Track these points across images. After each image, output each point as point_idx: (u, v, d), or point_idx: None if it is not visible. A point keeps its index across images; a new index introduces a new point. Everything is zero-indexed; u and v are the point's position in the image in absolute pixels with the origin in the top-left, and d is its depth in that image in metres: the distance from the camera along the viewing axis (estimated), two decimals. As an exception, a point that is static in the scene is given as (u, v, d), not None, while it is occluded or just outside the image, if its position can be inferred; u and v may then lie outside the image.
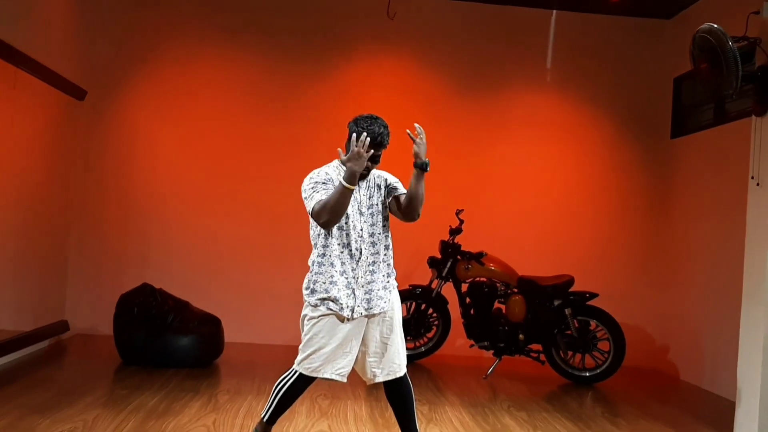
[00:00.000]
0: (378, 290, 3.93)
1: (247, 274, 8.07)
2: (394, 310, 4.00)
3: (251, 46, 8.21)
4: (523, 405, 5.96)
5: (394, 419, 5.06)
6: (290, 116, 8.21)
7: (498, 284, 7.23)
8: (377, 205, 3.99)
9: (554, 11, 8.46)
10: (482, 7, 8.42)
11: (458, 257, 7.24)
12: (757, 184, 5.22)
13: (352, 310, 3.86)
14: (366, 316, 3.91)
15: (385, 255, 4.00)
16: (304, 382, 3.95)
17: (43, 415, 4.70)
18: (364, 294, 3.89)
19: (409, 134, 3.90)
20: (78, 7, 7.60)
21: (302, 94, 8.23)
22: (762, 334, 5.06)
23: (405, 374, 4.02)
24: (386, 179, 4.08)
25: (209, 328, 6.87)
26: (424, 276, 7.54)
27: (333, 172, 3.95)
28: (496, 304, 7.26)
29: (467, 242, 7.29)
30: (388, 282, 3.99)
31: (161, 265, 7.94)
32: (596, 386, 6.98)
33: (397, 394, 4.03)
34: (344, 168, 3.82)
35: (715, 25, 5.19)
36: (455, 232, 7.31)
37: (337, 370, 3.89)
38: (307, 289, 3.93)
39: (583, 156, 8.51)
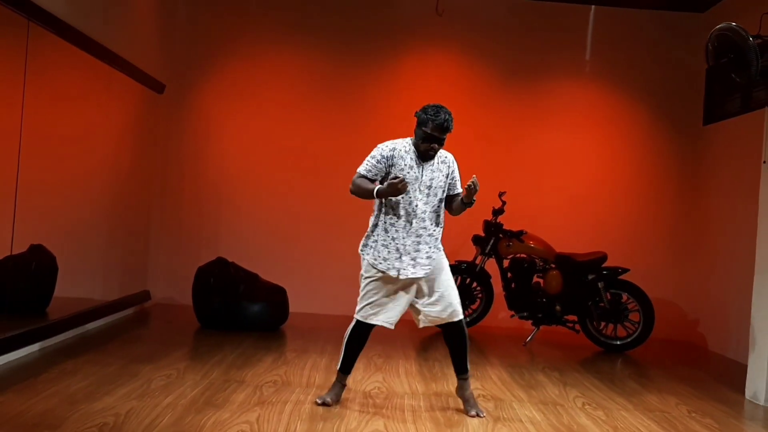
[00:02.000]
0: (422, 259, 4.66)
1: (309, 249, 8.89)
2: (442, 268, 4.74)
3: (314, 44, 9.00)
4: (557, 366, 6.65)
5: (440, 374, 5.85)
6: (348, 106, 8.97)
7: (537, 260, 7.90)
8: (436, 187, 4.70)
9: (593, 6, 9.04)
10: (525, 4, 9.06)
11: (500, 235, 7.93)
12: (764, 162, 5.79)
13: (398, 271, 4.60)
14: (411, 279, 4.65)
15: (433, 230, 4.71)
16: (362, 329, 4.73)
17: (144, 364, 5.56)
18: (410, 260, 4.62)
19: (471, 183, 4.60)
20: (157, 8, 8.47)
21: (358, 85, 8.98)
22: (770, 303, 5.67)
23: (460, 320, 4.77)
24: (452, 171, 4.82)
25: (277, 296, 7.70)
26: (469, 253, 8.25)
27: (401, 148, 4.69)
28: (535, 279, 7.93)
29: (509, 222, 7.98)
30: (433, 252, 4.71)
31: (232, 241, 8.80)
32: (627, 354, 7.62)
33: (451, 336, 4.79)
34: (413, 147, 4.64)
35: (734, 24, 5.79)
36: (498, 212, 7.98)
37: (387, 318, 4.68)
38: (364, 246, 4.72)
39: (619, 142, 9.10)
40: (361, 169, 4.73)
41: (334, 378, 4.97)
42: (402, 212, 4.66)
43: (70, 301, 7.15)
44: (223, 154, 8.98)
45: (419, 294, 4.75)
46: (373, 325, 4.77)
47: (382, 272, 4.66)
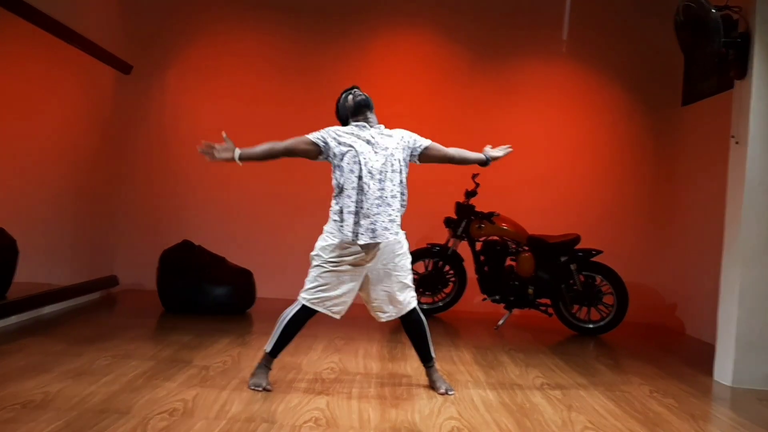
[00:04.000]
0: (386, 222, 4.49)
1: (276, 233, 8.73)
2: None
3: (282, 22, 8.83)
4: (524, 348, 6.50)
5: (400, 355, 5.71)
6: (316, 86, 8.78)
7: (509, 242, 7.74)
8: (392, 165, 4.51)
9: (570, -16, 8.87)
10: (500, -18, 8.89)
11: (472, 217, 7.77)
12: (737, 143, 5.63)
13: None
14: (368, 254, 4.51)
15: (393, 209, 4.50)
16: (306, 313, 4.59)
17: (92, 344, 5.41)
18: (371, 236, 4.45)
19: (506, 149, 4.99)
20: (123, -12, 8.31)
21: (327, 66, 8.80)
22: (738, 282, 5.51)
23: (414, 308, 4.68)
24: (407, 141, 4.66)
25: (242, 279, 7.55)
26: (441, 236, 8.09)
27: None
28: (508, 261, 7.78)
29: (483, 205, 7.81)
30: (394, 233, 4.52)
31: (199, 224, 8.64)
32: (600, 337, 7.47)
33: (409, 325, 4.71)
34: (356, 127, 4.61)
35: (699, -3, 5.61)
36: (471, 194, 7.82)
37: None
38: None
39: (595, 123, 8.93)
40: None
41: (274, 361, 4.80)
42: (358, 197, 4.54)
43: (31, 286, 7.01)
44: (191, 135, 8.71)
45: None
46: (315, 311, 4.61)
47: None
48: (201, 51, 8.83)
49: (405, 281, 4.64)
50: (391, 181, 4.46)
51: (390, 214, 4.43)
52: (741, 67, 5.62)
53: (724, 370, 5.62)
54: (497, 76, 8.91)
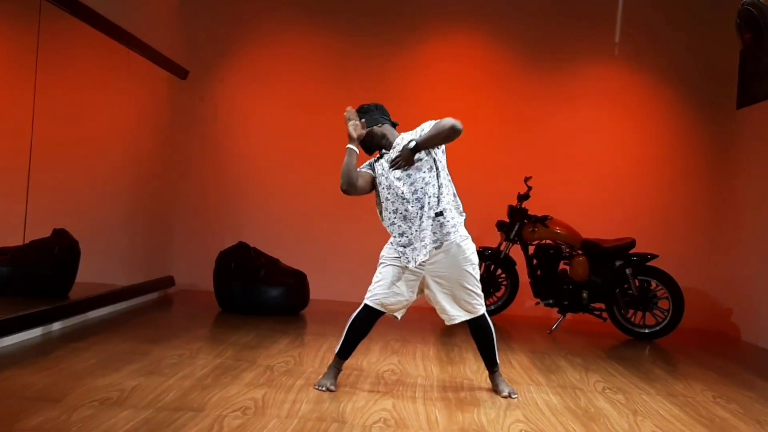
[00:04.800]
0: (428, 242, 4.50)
1: (332, 236, 8.81)
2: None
3: (337, 26, 8.92)
4: (580, 353, 6.48)
5: (458, 358, 5.73)
6: (371, 90, 8.83)
7: (563, 246, 7.72)
8: (415, 168, 4.53)
9: (623, -13, 8.82)
10: (553, -15, 8.88)
11: (525, 221, 7.77)
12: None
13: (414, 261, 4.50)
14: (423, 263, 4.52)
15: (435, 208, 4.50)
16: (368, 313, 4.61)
17: (157, 344, 5.52)
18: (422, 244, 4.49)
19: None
20: (181, -6, 8.47)
21: (381, 69, 8.87)
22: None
23: (482, 315, 4.65)
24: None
25: (296, 281, 7.64)
26: (493, 239, 8.10)
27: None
28: (561, 265, 7.76)
29: (535, 207, 7.81)
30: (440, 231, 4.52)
31: (255, 227, 8.75)
32: (655, 342, 7.41)
33: (476, 331, 4.70)
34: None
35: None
36: (523, 197, 7.82)
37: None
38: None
39: (649, 126, 8.87)
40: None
41: (344, 363, 4.86)
42: (394, 206, 4.60)
43: (92, 286, 7.18)
44: (246, 140, 8.94)
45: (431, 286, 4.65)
46: (382, 312, 4.65)
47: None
48: (257, 56, 8.95)
49: (468, 286, 4.63)
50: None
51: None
52: (806, 70, 5.55)
53: (787, 377, 5.55)
54: (551, 80, 8.90)
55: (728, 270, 8.47)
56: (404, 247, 4.51)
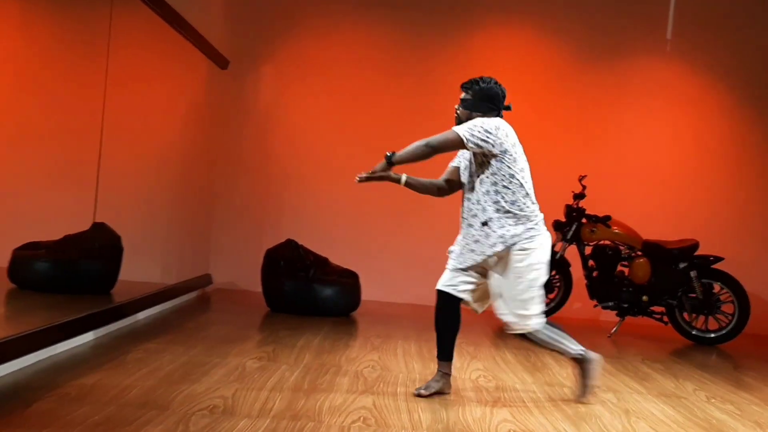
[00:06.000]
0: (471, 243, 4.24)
1: (380, 234, 8.52)
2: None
3: (385, 18, 8.63)
4: (656, 358, 6.24)
5: (430, 354, 5.39)
6: (419, 84, 8.59)
7: (622, 247, 7.47)
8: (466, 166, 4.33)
9: (676, -17, 8.60)
10: (605, -20, 8.64)
11: (583, 220, 7.51)
12: None
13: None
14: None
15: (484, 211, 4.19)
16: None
17: (228, 346, 5.21)
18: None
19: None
20: (224, -19, 8.13)
21: (430, 62, 8.60)
22: None
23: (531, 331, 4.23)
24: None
25: (349, 280, 7.33)
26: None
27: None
28: (619, 267, 7.51)
29: (589, 207, 7.55)
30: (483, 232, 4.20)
31: (297, 224, 8.43)
32: (719, 347, 7.19)
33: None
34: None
35: None
36: (579, 196, 7.56)
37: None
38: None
39: (702, 125, 8.66)
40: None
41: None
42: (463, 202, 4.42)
43: (132, 285, 6.82)
44: (289, 134, 8.62)
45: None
46: (459, 299, 4.31)
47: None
48: (299, 48, 8.63)
49: (520, 296, 4.17)
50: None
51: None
52: None
53: None
54: (602, 78, 8.67)
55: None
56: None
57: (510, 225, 4.14)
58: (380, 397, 4.15)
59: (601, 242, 7.51)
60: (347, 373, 4.70)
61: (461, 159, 4.46)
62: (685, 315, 7.36)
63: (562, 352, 4.41)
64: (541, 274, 4.20)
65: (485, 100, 4.31)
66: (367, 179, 4.22)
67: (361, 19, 8.64)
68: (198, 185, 8.15)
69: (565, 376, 5.14)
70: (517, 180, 4.18)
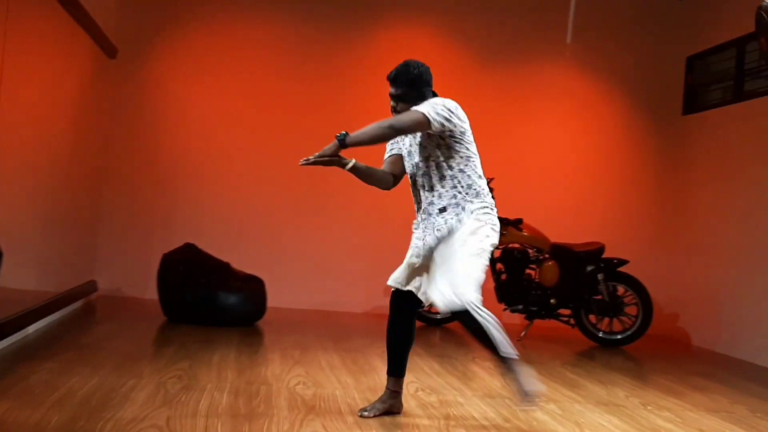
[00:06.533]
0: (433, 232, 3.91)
1: (279, 238, 8.10)
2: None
3: (284, 14, 8.23)
4: (573, 362, 6.22)
5: (366, 366, 5.25)
6: (318, 82, 8.25)
7: (530, 250, 7.44)
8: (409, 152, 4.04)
9: (575, -12, 8.68)
10: (507, -18, 8.61)
11: (493, 223, 7.41)
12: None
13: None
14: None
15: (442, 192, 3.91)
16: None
17: (141, 363, 4.71)
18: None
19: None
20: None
21: (329, 58, 8.27)
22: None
23: (464, 309, 3.60)
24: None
25: (255, 287, 6.90)
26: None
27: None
28: (527, 270, 7.47)
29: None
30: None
31: (190, 226, 7.88)
32: (623, 349, 7.28)
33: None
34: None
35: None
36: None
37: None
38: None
39: (599, 129, 8.79)
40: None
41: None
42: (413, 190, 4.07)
43: (10, 293, 6.11)
44: (183, 130, 8.06)
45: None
46: (414, 307, 3.97)
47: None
48: (195, 40, 8.10)
49: (461, 264, 3.72)
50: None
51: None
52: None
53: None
54: (504, 80, 8.63)
55: (675, 274, 8.50)
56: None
57: (468, 203, 3.88)
58: (328, 420, 3.81)
59: (511, 245, 7.45)
60: (280, 392, 4.32)
61: (401, 147, 4.10)
62: (591, 317, 7.42)
63: (492, 349, 3.76)
64: (486, 250, 3.84)
65: (423, 85, 4.00)
66: (314, 163, 3.74)
67: (261, 10, 8.20)
68: (80, 185, 7.44)
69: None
70: (473, 162, 3.95)
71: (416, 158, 3.97)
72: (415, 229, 4.00)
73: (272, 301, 7.24)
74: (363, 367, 5.22)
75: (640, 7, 8.80)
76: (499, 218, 7.24)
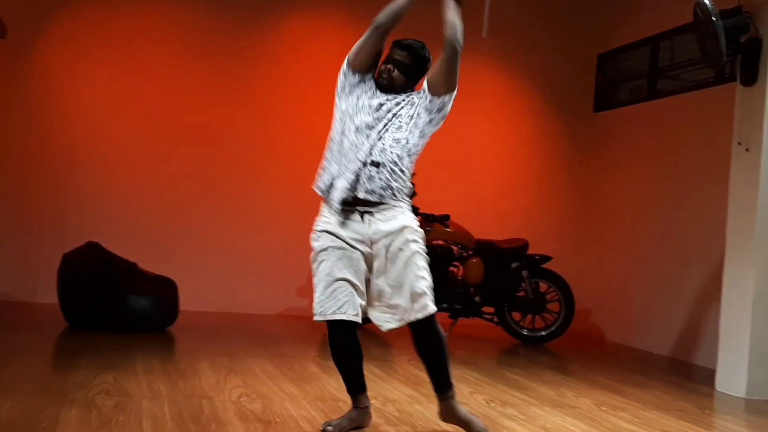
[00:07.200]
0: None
1: (189, 235, 7.56)
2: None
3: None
4: (508, 361, 6.06)
5: (306, 373, 4.96)
6: (228, 66, 7.76)
7: (454, 247, 7.25)
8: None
9: (490, -18, 8.55)
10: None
11: (418, 219, 7.16)
12: (746, 150, 5.58)
13: None
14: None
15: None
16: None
17: (59, 377, 4.16)
18: None
19: None
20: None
21: (241, 44, 7.79)
22: (751, 294, 5.42)
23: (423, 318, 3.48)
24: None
25: (166, 289, 6.36)
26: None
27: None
28: (451, 268, 7.28)
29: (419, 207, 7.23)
30: None
31: (89, 224, 7.22)
32: (545, 346, 7.21)
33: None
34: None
35: (706, 0, 5.47)
36: (410, 195, 7.20)
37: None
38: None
39: (519, 125, 8.72)
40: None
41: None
42: None
43: None
44: (78, 119, 7.37)
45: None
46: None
47: None
48: (94, 18, 7.42)
49: (416, 273, 3.59)
50: None
51: None
52: (750, 73, 5.58)
53: (730, 381, 5.51)
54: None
55: (587, 271, 8.51)
56: None
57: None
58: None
59: (434, 242, 7.23)
60: (225, 406, 3.89)
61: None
62: (514, 314, 7.31)
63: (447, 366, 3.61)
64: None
65: (421, 72, 3.76)
66: None
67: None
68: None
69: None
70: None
71: (384, 119, 3.68)
72: None
73: (182, 303, 6.72)
74: (301, 375, 4.85)
75: (553, 3, 8.78)
76: (426, 215, 7.12)
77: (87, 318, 6.04)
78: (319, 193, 3.57)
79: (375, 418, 3.83)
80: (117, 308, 6.05)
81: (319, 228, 3.55)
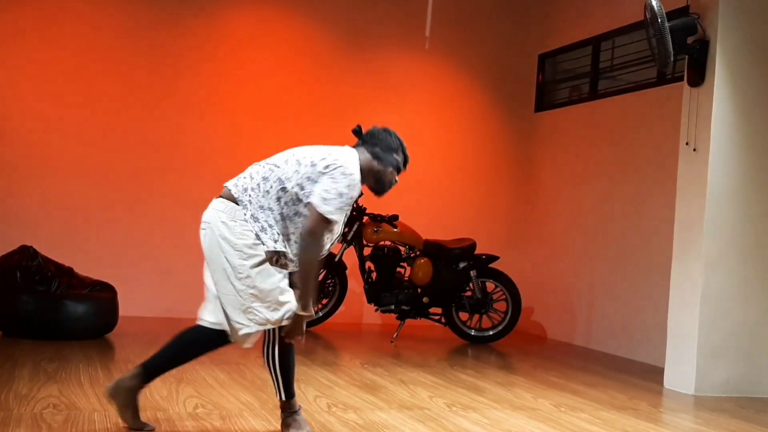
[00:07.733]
0: None
1: (123, 237, 7.27)
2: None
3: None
4: (459, 363, 6.00)
5: (259, 381, 4.80)
6: (156, 60, 7.47)
7: (402, 248, 7.16)
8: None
9: (433, -21, 8.49)
10: (366, -32, 8.27)
11: (365, 219, 7.07)
12: (694, 150, 5.65)
13: None
14: None
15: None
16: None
17: (6, 390, 3.89)
18: None
19: None
20: None
21: (177, 37, 7.53)
22: (699, 291, 5.50)
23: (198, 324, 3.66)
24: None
25: (106, 295, 6.09)
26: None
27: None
28: (398, 269, 7.19)
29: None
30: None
31: (19, 227, 6.87)
32: (491, 346, 7.19)
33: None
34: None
35: (654, 1, 5.52)
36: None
37: None
38: None
39: (464, 124, 8.67)
40: (334, 216, 3.33)
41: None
42: None
43: None
44: (7, 118, 7.00)
45: None
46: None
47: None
48: (17, 9, 7.04)
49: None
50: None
51: None
52: (698, 74, 5.66)
53: (679, 379, 5.58)
54: (363, 69, 8.27)
55: (529, 270, 8.56)
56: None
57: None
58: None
59: (381, 243, 7.13)
60: (182, 419, 3.71)
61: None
62: (462, 315, 7.28)
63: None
64: None
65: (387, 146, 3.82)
66: None
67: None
68: None
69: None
70: None
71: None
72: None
73: (121, 309, 6.45)
74: (255, 382, 4.68)
75: (496, 2, 8.78)
76: (374, 215, 7.03)
77: (20, 325, 5.73)
78: None
79: (338, 426, 3.70)
80: (53, 315, 5.76)
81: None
